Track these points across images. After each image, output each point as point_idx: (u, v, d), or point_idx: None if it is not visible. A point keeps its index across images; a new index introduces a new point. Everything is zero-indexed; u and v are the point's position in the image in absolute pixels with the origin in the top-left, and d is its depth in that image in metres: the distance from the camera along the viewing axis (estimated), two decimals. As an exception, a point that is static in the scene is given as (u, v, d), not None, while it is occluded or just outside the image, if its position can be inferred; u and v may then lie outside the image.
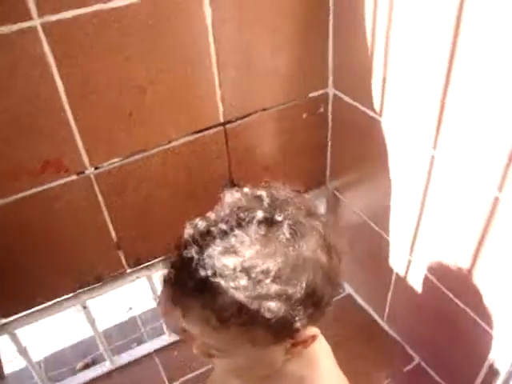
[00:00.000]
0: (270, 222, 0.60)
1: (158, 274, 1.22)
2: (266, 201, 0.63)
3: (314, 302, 0.60)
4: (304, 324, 0.61)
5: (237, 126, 1.11)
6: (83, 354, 1.38)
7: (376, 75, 1.03)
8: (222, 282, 0.56)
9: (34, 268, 1.06)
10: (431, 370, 1.26)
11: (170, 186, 1.11)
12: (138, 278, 1.20)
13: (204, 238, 0.60)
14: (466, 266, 1.01)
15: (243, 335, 0.59)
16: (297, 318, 0.59)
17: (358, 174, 1.27)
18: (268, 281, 0.56)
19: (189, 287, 0.58)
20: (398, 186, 1.12)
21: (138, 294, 1.22)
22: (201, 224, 0.62)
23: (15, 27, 0.81)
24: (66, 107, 0.91)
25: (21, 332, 1.13)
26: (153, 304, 1.50)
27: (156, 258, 1.20)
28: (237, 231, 0.59)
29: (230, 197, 0.66)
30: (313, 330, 0.65)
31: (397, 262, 1.22)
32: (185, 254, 0.60)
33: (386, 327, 1.37)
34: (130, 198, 1.07)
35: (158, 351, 1.36)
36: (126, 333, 1.42)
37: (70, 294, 1.14)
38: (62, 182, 0.98)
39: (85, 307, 1.18)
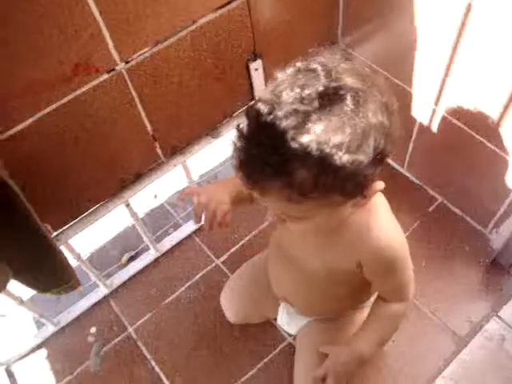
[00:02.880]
0: (332, 96, 0.61)
1: (192, 158, 1.22)
2: (322, 74, 0.62)
3: (380, 161, 0.65)
4: (372, 181, 0.68)
5: (259, -7, 1.04)
6: (124, 249, 1.42)
7: None
8: (298, 162, 0.59)
9: (78, 175, 1.04)
10: (454, 206, 1.38)
11: (199, 69, 1.05)
12: (174, 166, 1.19)
13: (271, 122, 0.59)
14: (494, 111, 1.06)
15: (322, 202, 0.64)
16: (367, 178, 0.65)
17: (373, 28, 1.24)
18: (341, 153, 0.59)
19: (266, 171, 0.60)
20: (424, 38, 1.10)
21: (160, 181, 1.22)
22: (263, 108, 0.61)
23: None
24: (89, -1, 0.82)
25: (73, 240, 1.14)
26: (178, 188, 1.51)
27: (189, 143, 1.19)
28: (302, 109, 0.59)
29: (285, 74, 0.65)
30: (379, 184, 0.70)
31: (420, 112, 1.26)
32: (255, 140, 0.61)
33: (408, 174, 1.45)
34: (162, 87, 1.02)
35: (196, 232, 1.42)
36: (159, 220, 1.45)
37: (114, 195, 1.14)
38: (94, 83, 0.92)
39: (128, 205, 1.18)
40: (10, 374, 1.26)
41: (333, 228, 0.78)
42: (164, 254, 1.39)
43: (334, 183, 0.62)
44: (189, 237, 1.41)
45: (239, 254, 1.37)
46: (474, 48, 1.01)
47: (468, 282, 1.27)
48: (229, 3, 1.00)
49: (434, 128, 1.25)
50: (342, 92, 0.61)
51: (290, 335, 1.23)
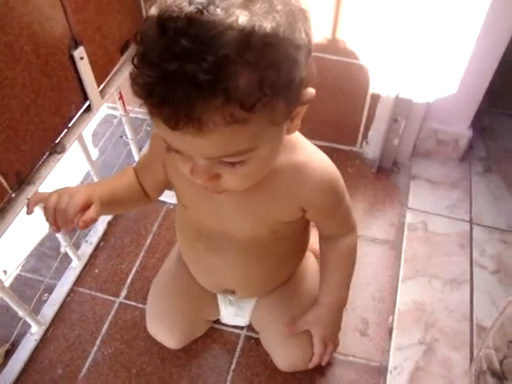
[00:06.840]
0: None
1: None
2: None
3: (309, 52, 0.57)
4: (308, 77, 0.57)
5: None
6: None
7: None
8: (232, 65, 0.47)
9: None
10: (321, 141, 1.35)
11: (19, 59, 0.85)
12: (27, 200, 0.93)
13: (188, 21, 0.47)
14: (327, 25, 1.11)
15: (267, 116, 0.53)
16: (305, 75, 0.55)
17: None
18: (280, 37, 0.49)
19: (201, 87, 0.46)
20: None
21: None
22: (165, 10, 0.48)
23: None
24: None
25: None
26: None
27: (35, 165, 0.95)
28: (217, 2, 0.47)
29: None
30: (311, 89, 0.60)
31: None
32: (169, 55, 0.47)
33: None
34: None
35: (77, 283, 1.14)
36: (24, 293, 1.11)
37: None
38: None
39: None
40: None
41: (268, 174, 0.66)
42: (50, 325, 1.07)
43: (278, 81, 0.51)
44: (71, 292, 1.12)
45: (140, 280, 1.14)
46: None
47: (369, 196, 1.29)
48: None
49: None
50: None
51: (242, 328, 1.06)
